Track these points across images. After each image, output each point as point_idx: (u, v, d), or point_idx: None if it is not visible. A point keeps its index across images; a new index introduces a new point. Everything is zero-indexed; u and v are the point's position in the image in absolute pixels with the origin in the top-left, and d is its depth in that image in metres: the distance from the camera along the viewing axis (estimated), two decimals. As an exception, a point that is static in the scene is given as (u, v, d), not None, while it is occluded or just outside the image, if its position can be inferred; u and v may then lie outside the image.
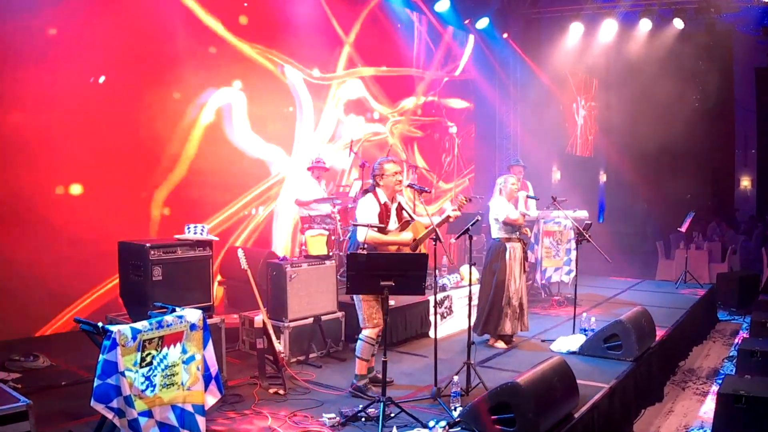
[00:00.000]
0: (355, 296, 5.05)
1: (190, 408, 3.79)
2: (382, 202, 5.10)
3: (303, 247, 6.93)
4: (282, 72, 8.90)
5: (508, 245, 6.56)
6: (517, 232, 6.63)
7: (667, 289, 10.16)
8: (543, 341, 6.80)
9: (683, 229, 11.10)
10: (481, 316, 6.64)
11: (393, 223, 5.15)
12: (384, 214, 5.08)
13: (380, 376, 4.57)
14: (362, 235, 4.98)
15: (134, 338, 3.51)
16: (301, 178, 8.05)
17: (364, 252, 4.78)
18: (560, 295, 8.92)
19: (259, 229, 8.64)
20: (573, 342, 6.39)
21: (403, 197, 5.47)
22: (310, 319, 6.13)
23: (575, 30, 13.02)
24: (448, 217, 5.16)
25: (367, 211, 5.05)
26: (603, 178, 18.35)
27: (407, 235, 5.13)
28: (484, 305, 6.61)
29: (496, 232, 6.62)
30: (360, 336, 5.10)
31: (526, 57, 13.43)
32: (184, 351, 3.80)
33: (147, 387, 3.56)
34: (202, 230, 5.26)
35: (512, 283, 6.52)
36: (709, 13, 11.81)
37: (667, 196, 17.01)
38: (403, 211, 5.27)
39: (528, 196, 8.42)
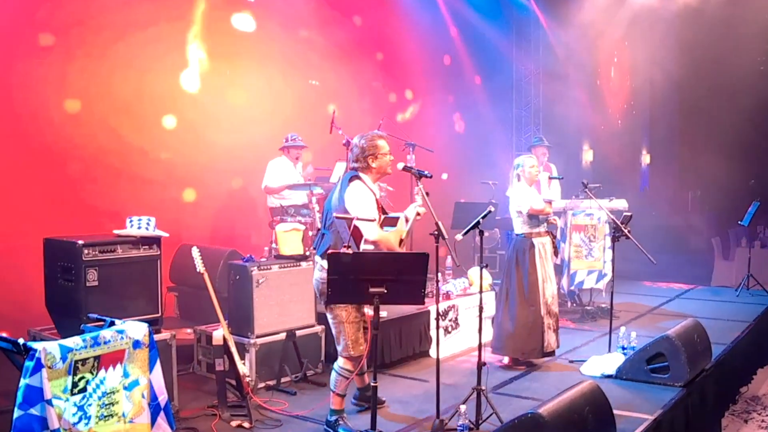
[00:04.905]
0: (330, 314, 4.87)
1: (133, 445, 3.80)
2: (374, 192, 4.95)
3: (273, 245, 6.92)
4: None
5: (536, 241, 6.60)
6: (545, 224, 6.70)
7: (726, 298, 10.25)
8: (571, 362, 6.85)
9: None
10: (507, 333, 6.58)
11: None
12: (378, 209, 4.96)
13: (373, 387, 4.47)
14: (372, 232, 4.75)
15: (64, 358, 3.51)
16: (272, 161, 8.01)
17: (349, 251, 4.66)
18: (593, 305, 8.97)
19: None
20: (609, 363, 6.43)
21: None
22: (283, 335, 6.15)
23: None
24: (417, 214, 5.00)
25: (366, 203, 4.80)
26: (646, 159, 18.42)
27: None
28: (512, 319, 6.55)
29: (520, 226, 6.65)
30: (335, 366, 4.95)
31: (550, 8, 13.41)
32: (125, 374, 3.80)
33: (80, 419, 3.56)
34: (147, 224, 5.23)
35: (548, 287, 6.60)
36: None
37: (725, 182, 17.06)
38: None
39: (551, 177, 8.44)
